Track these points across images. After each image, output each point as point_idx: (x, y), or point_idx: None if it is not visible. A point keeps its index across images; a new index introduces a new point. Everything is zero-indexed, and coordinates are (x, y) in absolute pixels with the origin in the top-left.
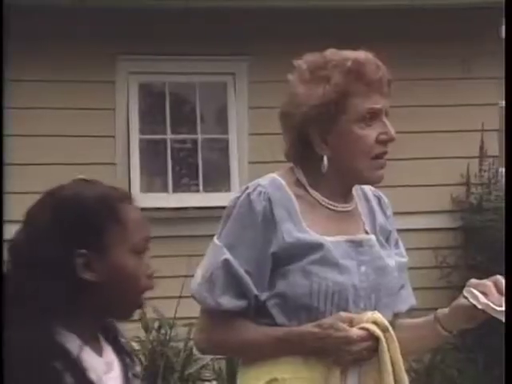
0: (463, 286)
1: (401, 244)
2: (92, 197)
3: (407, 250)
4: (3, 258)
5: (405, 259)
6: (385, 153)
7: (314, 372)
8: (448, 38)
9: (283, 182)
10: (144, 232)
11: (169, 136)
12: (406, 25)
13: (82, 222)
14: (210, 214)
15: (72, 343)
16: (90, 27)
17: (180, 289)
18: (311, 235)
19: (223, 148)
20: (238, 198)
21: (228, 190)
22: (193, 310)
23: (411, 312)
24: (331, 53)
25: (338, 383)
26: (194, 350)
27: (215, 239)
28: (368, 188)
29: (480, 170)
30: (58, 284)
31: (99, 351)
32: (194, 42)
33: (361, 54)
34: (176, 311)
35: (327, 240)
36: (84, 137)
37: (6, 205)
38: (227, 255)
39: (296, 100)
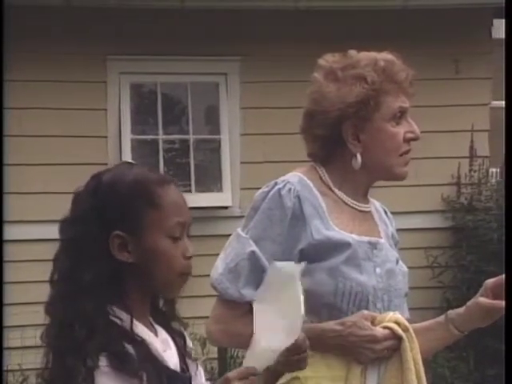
0: (454, 286)
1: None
2: (129, 180)
3: (398, 249)
4: (3, 257)
5: (406, 269)
6: (409, 150)
7: (334, 371)
8: (439, 39)
9: (309, 181)
10: (181, 216)
11: (161, 136)
12: (398, 25)
13: (118, 204)
14: (202, 215)
15: (123, 317)
16: (80, 27)
17: None
18: (339, 233)
19: (215, 148)
20: (268, 192)
21: (220, 190)
22: (190, 309)
23: None
24: (355, 53)
25: (358, 382)
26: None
27: (240, 231)
28: (374, 200)
29: (470, 170)
30: (98, 264)
31: (153, 332)
32: (186, 42)
33: (388, 55)
34: None
35: (354, 239)
36: (76, 137)
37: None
38: (254, 247)
39: (329, 98)
